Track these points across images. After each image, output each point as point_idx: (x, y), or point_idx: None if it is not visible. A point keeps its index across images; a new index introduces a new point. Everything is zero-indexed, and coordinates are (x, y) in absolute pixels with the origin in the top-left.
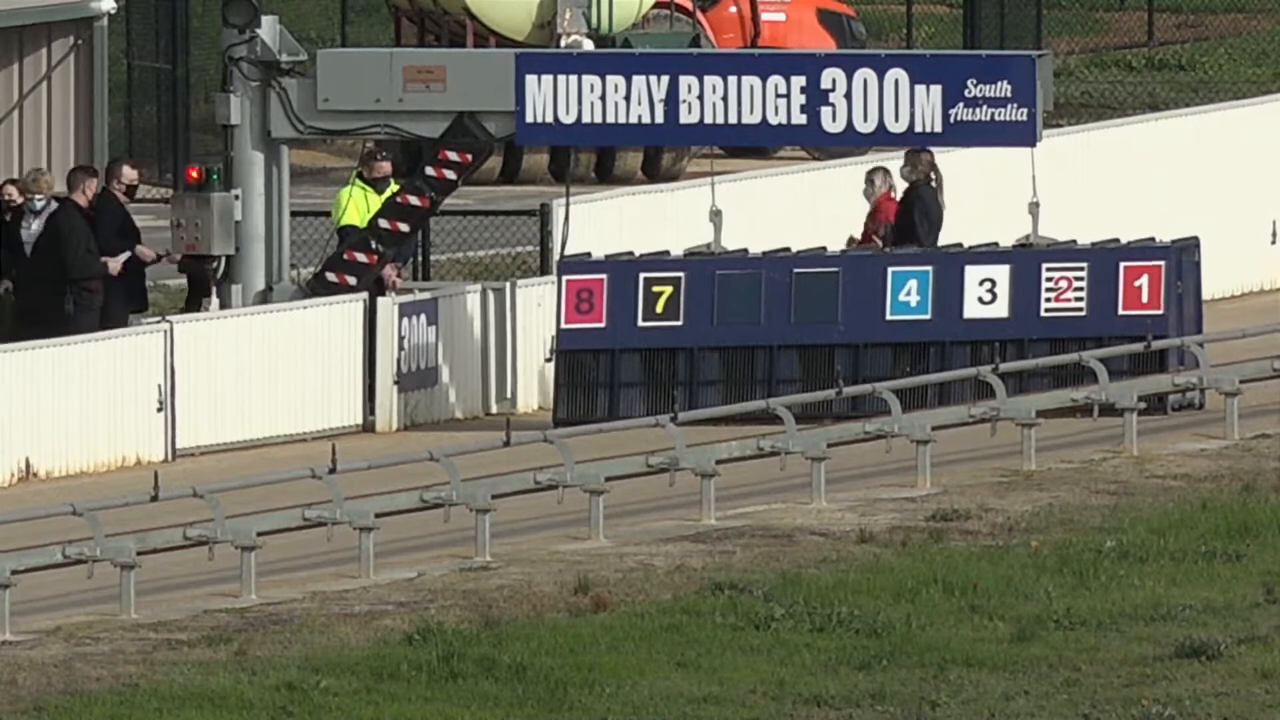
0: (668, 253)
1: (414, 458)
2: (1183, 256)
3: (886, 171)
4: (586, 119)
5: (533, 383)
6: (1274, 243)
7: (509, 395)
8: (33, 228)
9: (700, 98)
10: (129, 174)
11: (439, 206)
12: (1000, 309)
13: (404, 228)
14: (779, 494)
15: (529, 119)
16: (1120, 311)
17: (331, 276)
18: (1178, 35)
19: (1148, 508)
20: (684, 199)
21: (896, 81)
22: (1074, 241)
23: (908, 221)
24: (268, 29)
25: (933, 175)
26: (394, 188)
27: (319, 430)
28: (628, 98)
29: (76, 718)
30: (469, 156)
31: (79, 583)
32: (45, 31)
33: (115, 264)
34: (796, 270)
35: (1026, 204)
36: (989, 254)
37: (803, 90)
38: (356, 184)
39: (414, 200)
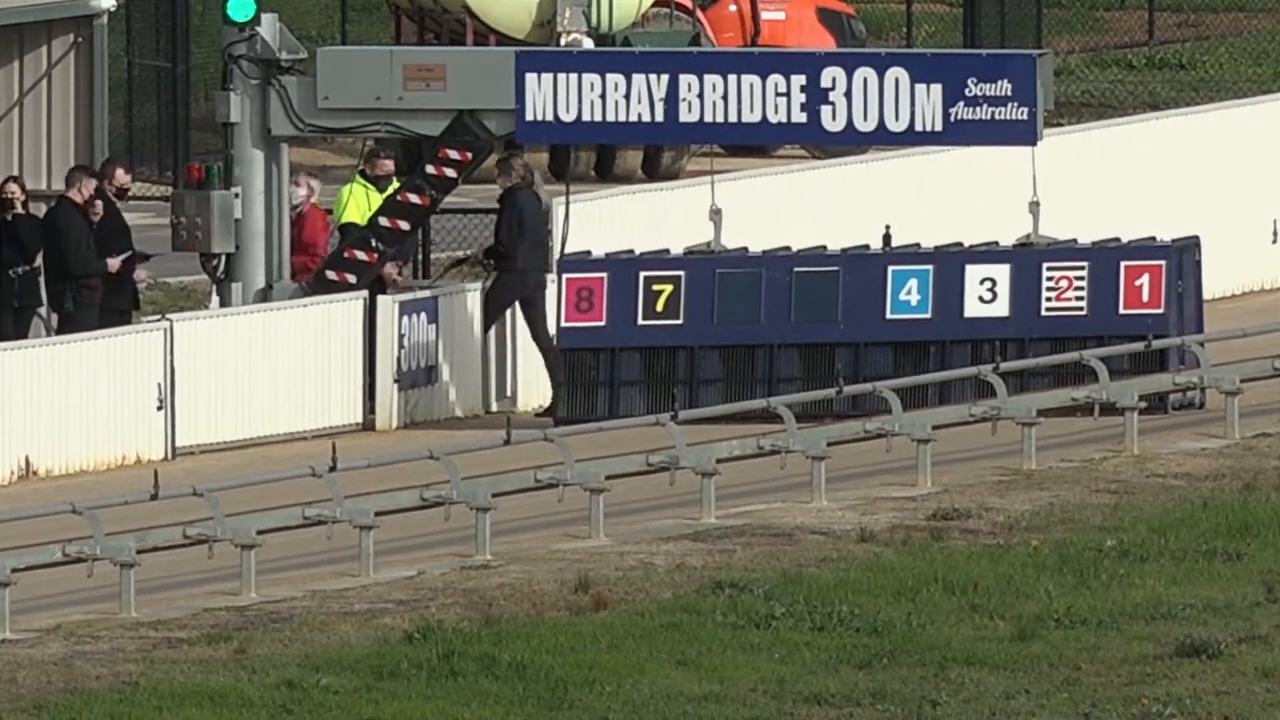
0: (668, 251)
1: (414, 456)
2: (1183, 256)
3: (304, 181)
4: (586, 117)
5: (533, 382)
6: (1275, 242)
7: (509, 394)
8: None
9: (700, 96)
10: (121, 177)
11: (439, 204)
12: (1001, 308)
13: (404, 226)
14: (779, 493)
15: (529, 117)
16: (1121, 310)
17: (332, 275)
18: (1178, 34)
19: (1148, 507)
20: (684, 197)
21: (897, 80)
22: (1074, 241)
23: (502, 225)
24: (268, 27)
25: (530, 179)
26: (396, 185)
27: (319, 429)
28: (628, 96)
29: (76, 716)
30: (469, 155)
31: (79, 581)
32: (45, 29)
33: (115, 262)
34: (797, 269)
35: (1027, 203)
36: (989, 253)
37: (803, 89)
38: (358, 181)
39: (414, 198)
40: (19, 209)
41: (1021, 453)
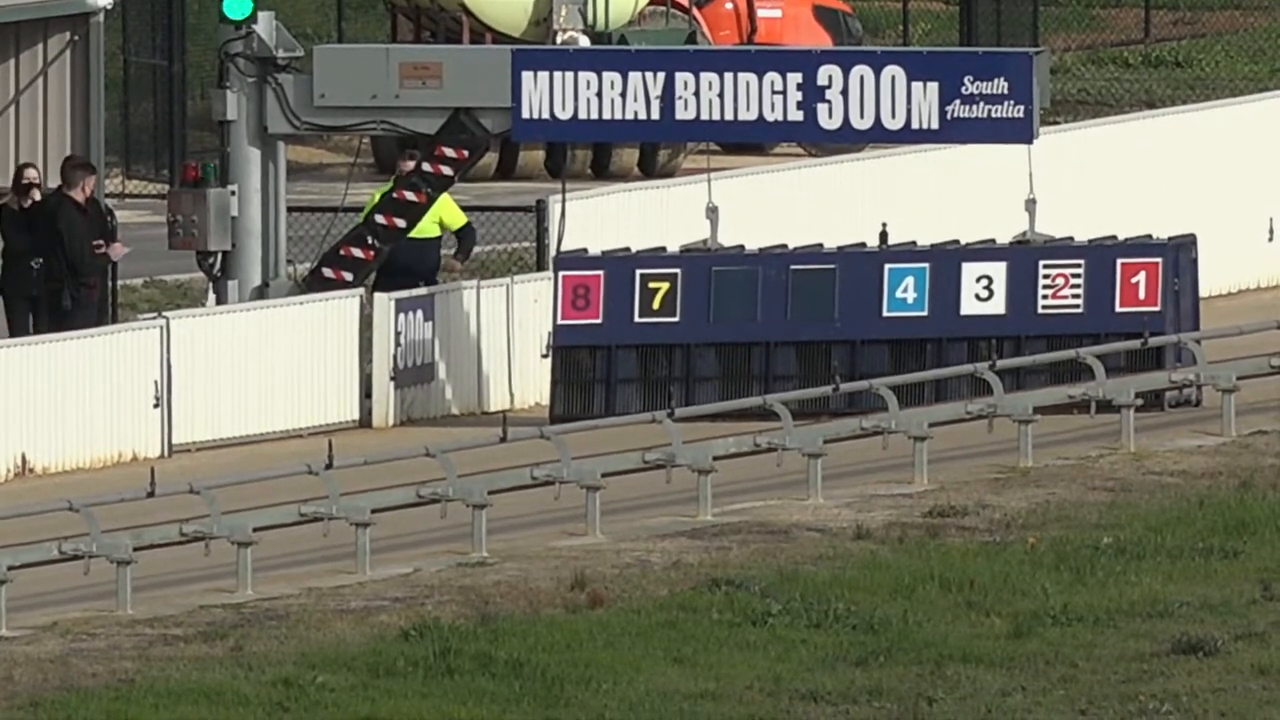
0: (664, 249)
1: (410, 453)
2: (1180, 253)
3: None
4: (583, 115)
5: (530, 379)
6: (1271, 240)
7: (510, 392)
8: None
9: (696, 94)
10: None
11: (435, 202)
12: (997, 306)
13: (400, 223)
14: (776, 490)
15: (525, 115)
16: (1117, 308)
17: (328, 272)
18: (1174, 32)
19: (1145, 504)
20: (680, 195)
21: (893, 78)
22: (1071, 238)
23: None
24: (264, 25)
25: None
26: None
27: (315, 426)
28: (624, 94)
29: (73, 713)
30: (465, 153)
31: (75, 579)
32: (42, 27)
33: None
34: (793, 267)
35: (1023, 201)
36: (986, 251)
37: (799, 87)
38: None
39: (411, 196)
40: (36, 195)
41: (1018, 450)
